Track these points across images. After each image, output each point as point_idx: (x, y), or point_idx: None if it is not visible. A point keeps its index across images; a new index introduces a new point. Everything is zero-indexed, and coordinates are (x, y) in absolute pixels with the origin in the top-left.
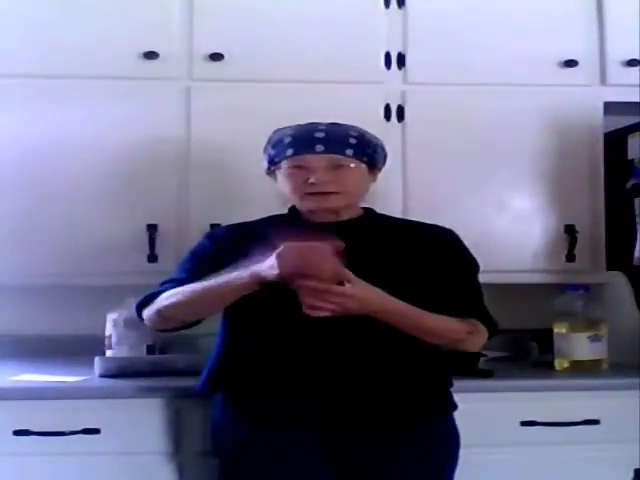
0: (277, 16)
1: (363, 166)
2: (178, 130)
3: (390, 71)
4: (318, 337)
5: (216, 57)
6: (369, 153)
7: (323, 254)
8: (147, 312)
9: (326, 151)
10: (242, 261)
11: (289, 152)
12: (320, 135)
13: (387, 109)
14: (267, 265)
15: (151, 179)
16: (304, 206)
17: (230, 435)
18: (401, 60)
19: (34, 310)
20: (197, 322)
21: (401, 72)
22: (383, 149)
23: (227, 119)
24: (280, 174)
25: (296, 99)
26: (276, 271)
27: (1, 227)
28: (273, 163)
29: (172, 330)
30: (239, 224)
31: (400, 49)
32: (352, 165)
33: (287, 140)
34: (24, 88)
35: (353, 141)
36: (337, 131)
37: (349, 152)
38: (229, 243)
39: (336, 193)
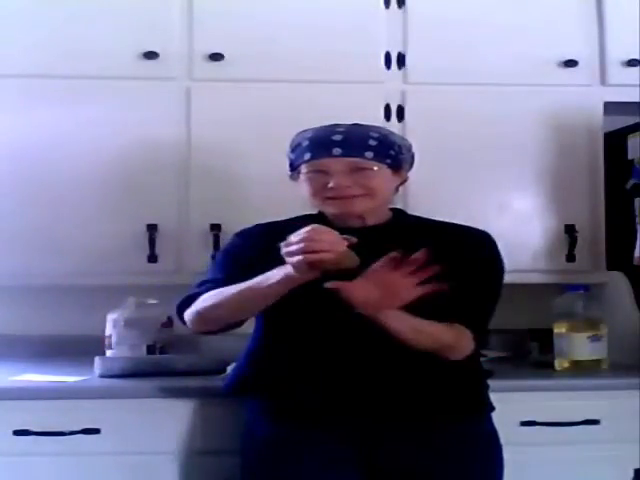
0: (277, 16)
1: (386, 168)
2: (178, 130)
3: (390, 71)
4: (352, 336)
5: (216, 57)
6: (392, 155)
7: (327, 234)
8: (188, 314)
9: (344, 154)
10: (271, 260)
11: (307, 156)
12: (338, 138)
13: (387, 109)
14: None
15: (151, 179)
16: (326, 211)
17: (263, 436)
18: (401, 60)
19: (34, 310)
20: (239, 324)
21: (401, 72)
22: (409, 149)
23: (227, 119)
24: (301, 178)
25: (296, 99)
26: (289, 262)
27: (1, 227)
28: (293, 168)
29: (214, 332)
30: (268, 223)
31: (400, 49)
32: (375, 168)
33: (305, 144)
34: (24, 88)
35: (373, 143)
36: (356, 133)
37: (368, 155)
38: (259, 239)
39: (361, 196)
